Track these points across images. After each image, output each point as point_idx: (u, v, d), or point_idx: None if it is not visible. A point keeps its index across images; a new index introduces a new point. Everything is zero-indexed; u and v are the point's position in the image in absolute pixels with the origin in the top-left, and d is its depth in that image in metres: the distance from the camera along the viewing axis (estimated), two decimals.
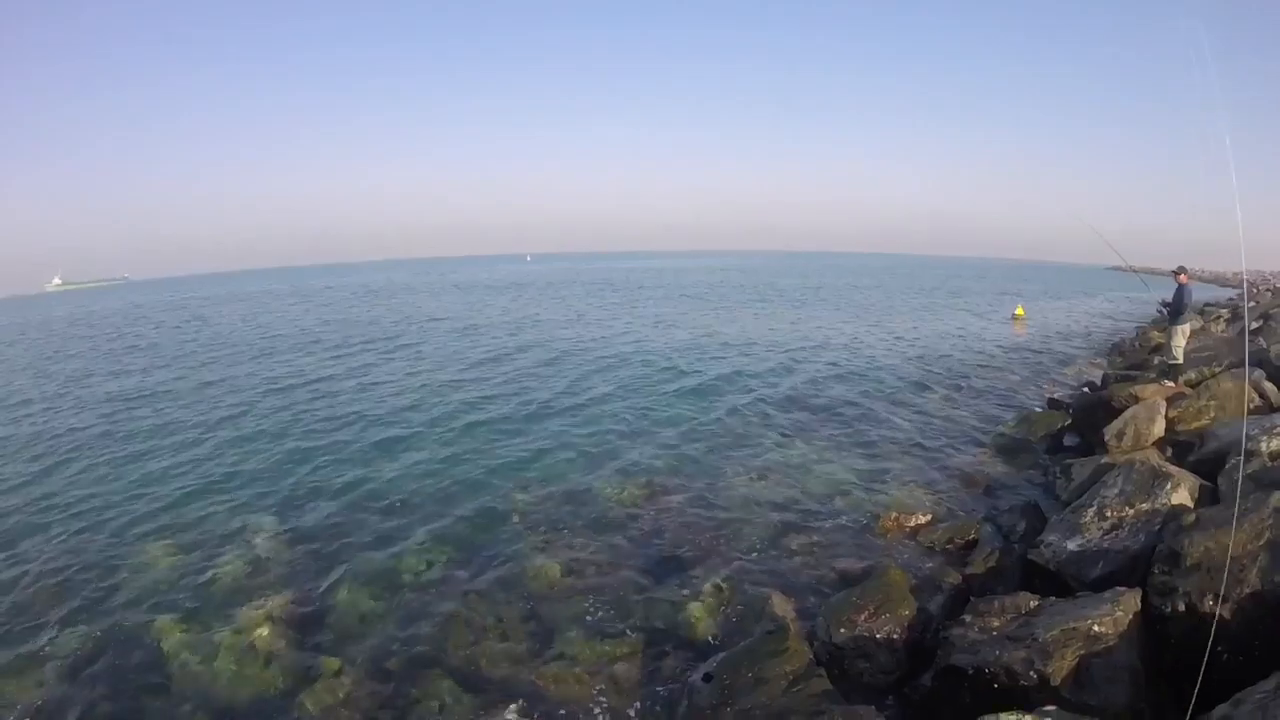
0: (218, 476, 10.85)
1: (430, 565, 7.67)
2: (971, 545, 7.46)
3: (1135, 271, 15.25)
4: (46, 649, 6.38)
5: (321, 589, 7.23)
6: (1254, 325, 19.25)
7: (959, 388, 16.33)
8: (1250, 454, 6.12)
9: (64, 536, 8.82)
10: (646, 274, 79.50)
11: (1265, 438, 6.19)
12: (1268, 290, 42.16)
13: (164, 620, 6.70)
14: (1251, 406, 8.68)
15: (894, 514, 8.49)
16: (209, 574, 7.65)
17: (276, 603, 6.90)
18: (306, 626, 6.60)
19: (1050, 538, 6.20)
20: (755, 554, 7.73)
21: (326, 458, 11.57)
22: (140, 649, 6.36)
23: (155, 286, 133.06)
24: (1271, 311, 20.65)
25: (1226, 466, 6.20)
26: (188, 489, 10.31)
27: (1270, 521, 4.42)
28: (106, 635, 6.57)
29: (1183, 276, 12.03)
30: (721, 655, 5.35)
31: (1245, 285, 25.34)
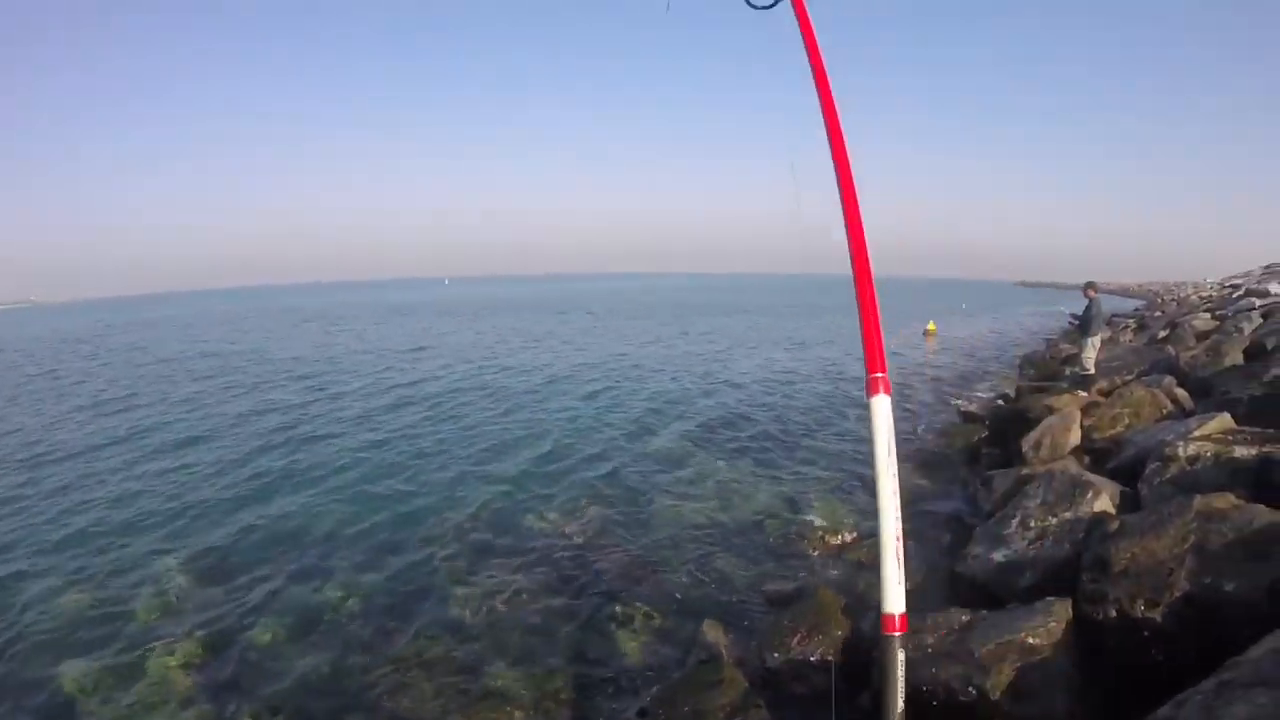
0: (125, 512, 10.13)
1: (350, 601, 7.24)
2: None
3: (1045, 287, 15.85)
4: None
5: (238, 628, 6.77)
6: (1161, 334, 20.15)
7: None
8: (1167, 459, 6.21)
9: None
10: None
11: (1181, 443, 6.30)
12: (1172, 300, 44.31)
13: (71, 663, 6.18)
14: (1164, 412, 8.92)
15: (819, 533, 8.42)
16: (119, 613, 7.14)
17: (190, 645, 6.42)
18: (223, 668, 6.14)
19: (976, 550, 6.16)
20: (684, 580, 7.52)
21: (240, 490, 10.97)
22: (45, 694, 5.82)
23: (64, 311, 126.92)
24: (1178, 320, 21.65)
25: (1146, 472, 6.29)
26: (94, 524, 9.61)
27: (1194, 525, 4.42)
28: (7, 678, 6.05)
29: (1091, 291, 12.58)
30: (656, 689, 5.12)
31: None
